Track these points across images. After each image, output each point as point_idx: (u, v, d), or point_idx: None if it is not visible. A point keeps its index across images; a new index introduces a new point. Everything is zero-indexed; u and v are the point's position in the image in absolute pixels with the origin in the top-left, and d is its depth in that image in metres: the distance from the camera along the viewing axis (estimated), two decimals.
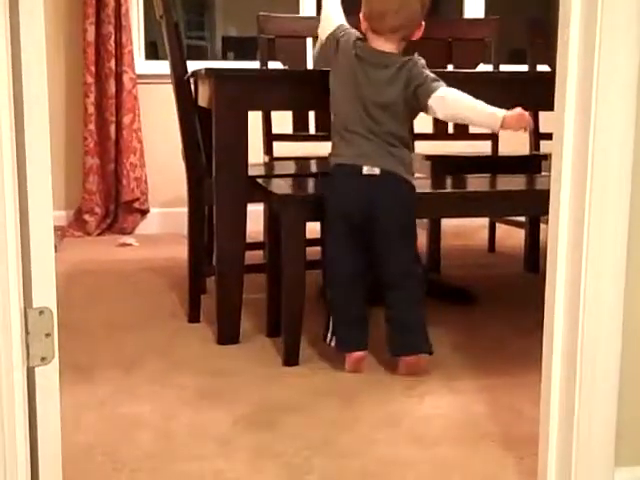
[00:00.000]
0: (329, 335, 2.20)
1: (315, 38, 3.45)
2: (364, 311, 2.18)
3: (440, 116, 2.12)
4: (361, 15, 2.11)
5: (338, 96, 2.15)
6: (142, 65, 4.31)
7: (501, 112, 2.02)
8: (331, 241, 2.19)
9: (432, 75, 2.08)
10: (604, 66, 1.26)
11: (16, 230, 1.17)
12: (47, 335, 1.22)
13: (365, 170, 2.07)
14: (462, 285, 3.05)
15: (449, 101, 2.06)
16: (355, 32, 2.17)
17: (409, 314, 2.14)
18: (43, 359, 1.22)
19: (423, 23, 2.11)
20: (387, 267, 2.13)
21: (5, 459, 1.18)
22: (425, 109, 2.10)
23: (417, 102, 2.09)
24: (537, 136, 3.58)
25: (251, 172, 2.44)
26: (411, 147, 2.23)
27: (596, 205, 1.30)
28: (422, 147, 3.56)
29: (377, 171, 2.07)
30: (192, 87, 2.72)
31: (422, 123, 3.52)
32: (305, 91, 2.37)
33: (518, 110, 2.01)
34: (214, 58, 5.55)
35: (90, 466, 1.62)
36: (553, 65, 1.38)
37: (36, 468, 1.25)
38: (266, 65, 3.33)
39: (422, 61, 2.11)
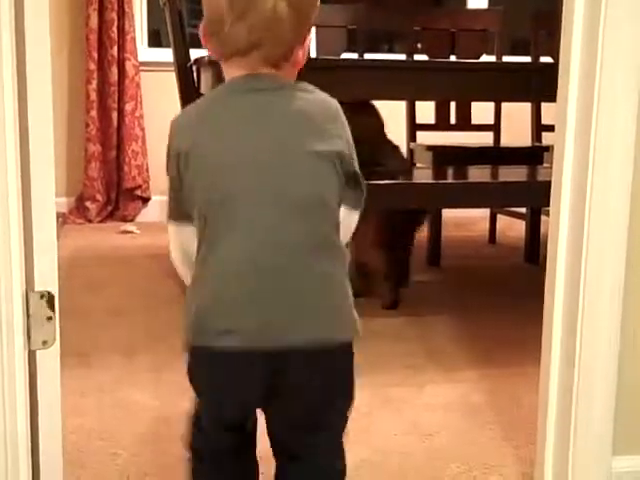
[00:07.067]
0: None
1: (318, 27, 3.46)
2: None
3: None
4: (201, 28, 1.15)
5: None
6: (145, 52, 4.31)
7: None
8: None
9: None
10: (607, 58, 1.26)
11: (19, 214, 1.17)
12: (49, 319, 1.22)
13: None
14: None
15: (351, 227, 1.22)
16: None
17: None
18: (44, 343, 1.23)
19: (309, 38, 1.20)
20: None
21: (6, 442, 1.19)
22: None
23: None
24: (539, 128, 3.59)
25: None
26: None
27: (597, 197, 1.30)
28: (424, 138, 3.56)
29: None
30: (195, 75, 2.72)
31: (424, 113, 3.53)
32: (307, 78, 2.37)
33: None
34: None
35: (89, 450, 1.63)
36: (556, 57, 1.38)
37: (37, 451, 1.26)
38: None
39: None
